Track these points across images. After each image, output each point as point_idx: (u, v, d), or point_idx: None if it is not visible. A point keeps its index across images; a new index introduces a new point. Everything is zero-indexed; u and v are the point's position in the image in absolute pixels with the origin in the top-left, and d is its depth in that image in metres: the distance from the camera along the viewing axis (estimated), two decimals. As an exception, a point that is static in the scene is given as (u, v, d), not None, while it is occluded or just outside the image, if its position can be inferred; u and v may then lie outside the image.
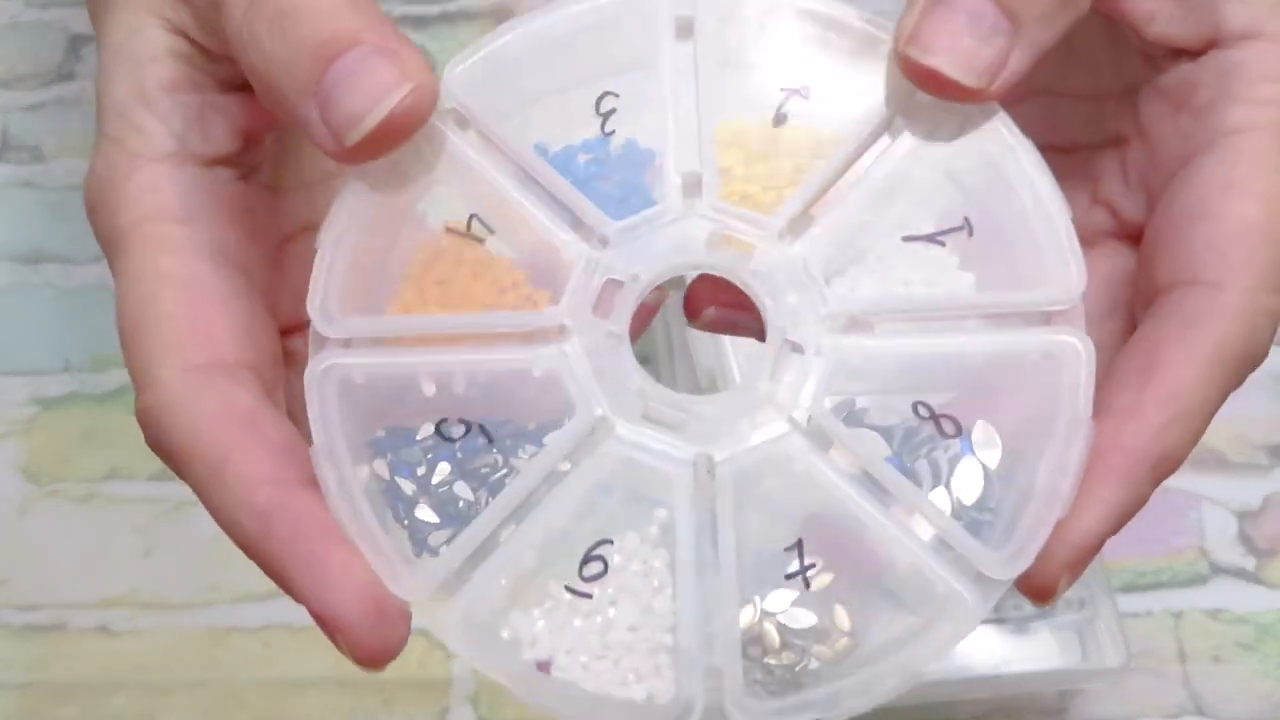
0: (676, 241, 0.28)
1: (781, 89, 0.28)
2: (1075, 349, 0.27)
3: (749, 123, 0.28)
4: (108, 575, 0.59)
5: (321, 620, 0.26)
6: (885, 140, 0.28)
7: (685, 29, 0.28)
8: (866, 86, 0.28)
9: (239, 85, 0.30)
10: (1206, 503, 0.60)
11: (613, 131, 0.28)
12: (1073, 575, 0.26)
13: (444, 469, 0.26)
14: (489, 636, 0.26)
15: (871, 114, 0.28)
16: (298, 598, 0.26)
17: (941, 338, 0.28)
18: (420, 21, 0.74)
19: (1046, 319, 0.27)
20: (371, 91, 0.25)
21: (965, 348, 0.28)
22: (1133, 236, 0.31)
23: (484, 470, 0.26)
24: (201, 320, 0.27)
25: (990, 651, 0.51)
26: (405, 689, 0.57)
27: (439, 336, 0.27)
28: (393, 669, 0.57)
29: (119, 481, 0.61)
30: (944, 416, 0.27)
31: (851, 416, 0.27)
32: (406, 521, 0.27)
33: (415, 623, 0.26)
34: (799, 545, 0.26)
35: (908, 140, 0.28)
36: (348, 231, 0.27)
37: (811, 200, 0.28)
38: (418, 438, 0.26)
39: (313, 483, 0.26)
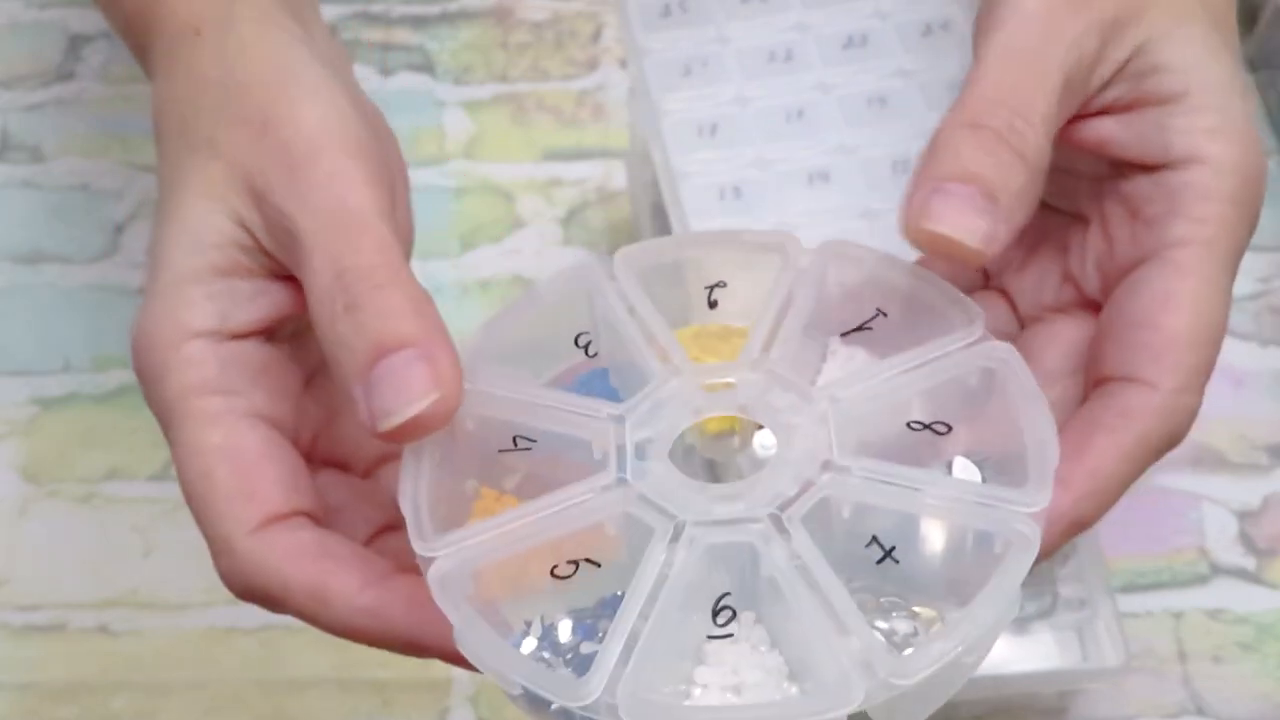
0: (677, 401, 0.33)
1: (704, 286, 0.35)
2: (1006, 352, 0.32)
3: (694, 319, 0.35)
4: (108, 575, 0.59)
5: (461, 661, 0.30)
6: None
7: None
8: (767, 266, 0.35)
9: (287, 275, 0.34)
10: (1206, 503, 0.60)
11: (595, 354, 0.35)
12: None
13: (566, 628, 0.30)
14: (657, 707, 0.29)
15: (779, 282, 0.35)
16: (436, 656, 0.31)
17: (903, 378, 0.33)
18: (420, 21, 0.74)
19: (969, 345, 0.33)
20: (405, 394, 0.30)
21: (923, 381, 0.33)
22: (1094, 307, 0.36)
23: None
24: (253, 483, 0.32)
25: (990, 652, 0.51)
26: (405, 689, 0.57)
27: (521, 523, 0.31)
28: (393, 669, 0.57)
29: (119, 481, 0.61)
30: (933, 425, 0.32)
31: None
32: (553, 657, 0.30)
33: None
34: (889, 551, 0.30)
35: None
36: (421, 477, 0.32)
37: (766, 339, 0.33)
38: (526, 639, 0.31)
39: (397, 571, 0.32)
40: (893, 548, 0.30)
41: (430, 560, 0.30)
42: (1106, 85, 0.34)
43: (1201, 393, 0.33)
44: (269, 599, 0.32)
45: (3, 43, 0.74)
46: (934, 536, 0.30)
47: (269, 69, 0.34)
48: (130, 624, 0.58)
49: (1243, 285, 0.65)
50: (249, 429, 0.33)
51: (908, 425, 0.32)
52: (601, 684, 0.28)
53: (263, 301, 0.34)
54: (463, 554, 0.30)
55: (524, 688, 0.28)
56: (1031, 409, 0.31)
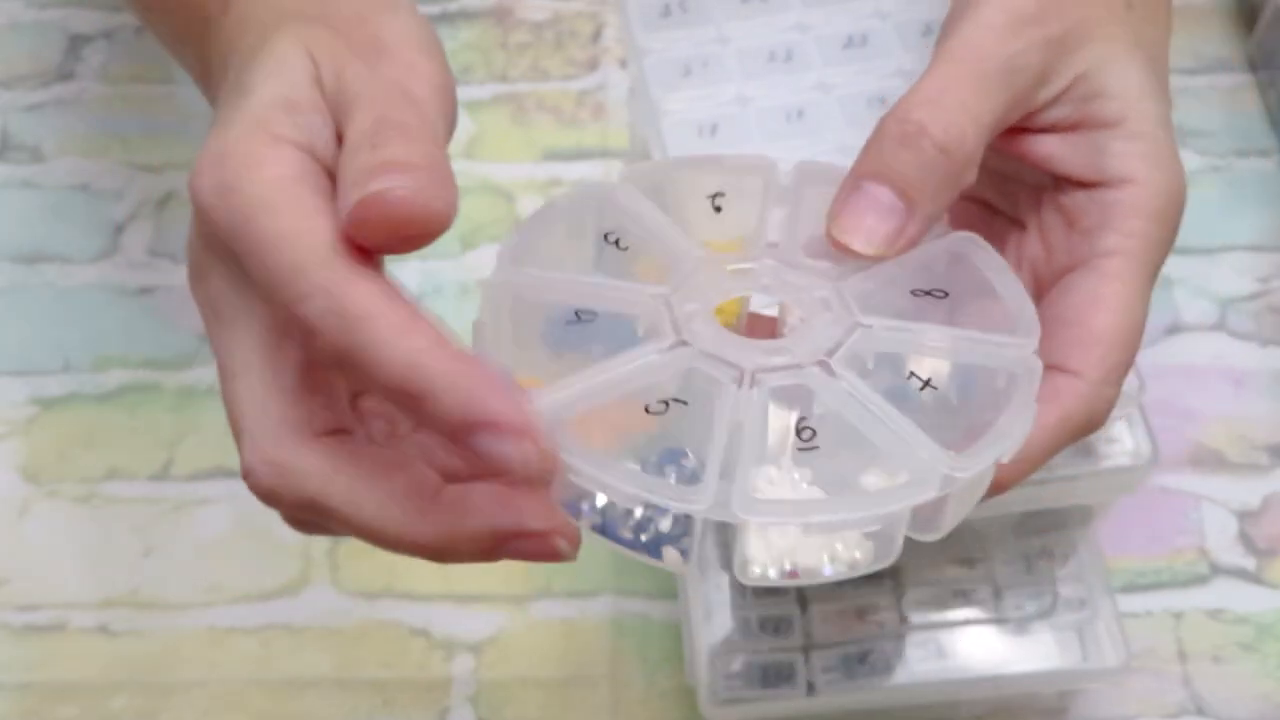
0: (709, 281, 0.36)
1: (706, 195, 0.38)
2: (970, 238, 0.37)
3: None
4: (108, 575, 0.59)
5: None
6: None
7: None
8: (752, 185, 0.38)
9: None
10: (1206, 503, 0.60)
11: (626, 247, 0.37)
12: None
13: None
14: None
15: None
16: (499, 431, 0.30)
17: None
18: (420, 21, 0.74)
19: (939, 237, 0.37)
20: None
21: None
22: None
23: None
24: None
25: (990, 651, 0.52)
26: (405, 689, 0.57)
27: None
28: (393, 669, 0.57)
29: (119, 481, 0.61)
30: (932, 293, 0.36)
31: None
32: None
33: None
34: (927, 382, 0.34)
35: None
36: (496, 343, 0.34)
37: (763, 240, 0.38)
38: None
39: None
40: (928, 379, 0.34)
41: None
42: (1052, 103, 0.37)
43: (1119, 386, 0.36)
44: (344, 320, 0.31)
45: (3, 43, 0.74)
46: (952, 375, 0.34)
47: None
48: (130, 624, 0.58)
49: (1243, 285, 0.65)
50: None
51: (911, 293, 0.36)
52: (712, 488, 0.31)
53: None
54: (550, 405, 0.32)
55: (603, 519, 0.31)
56: (1003, 277, 0.36)
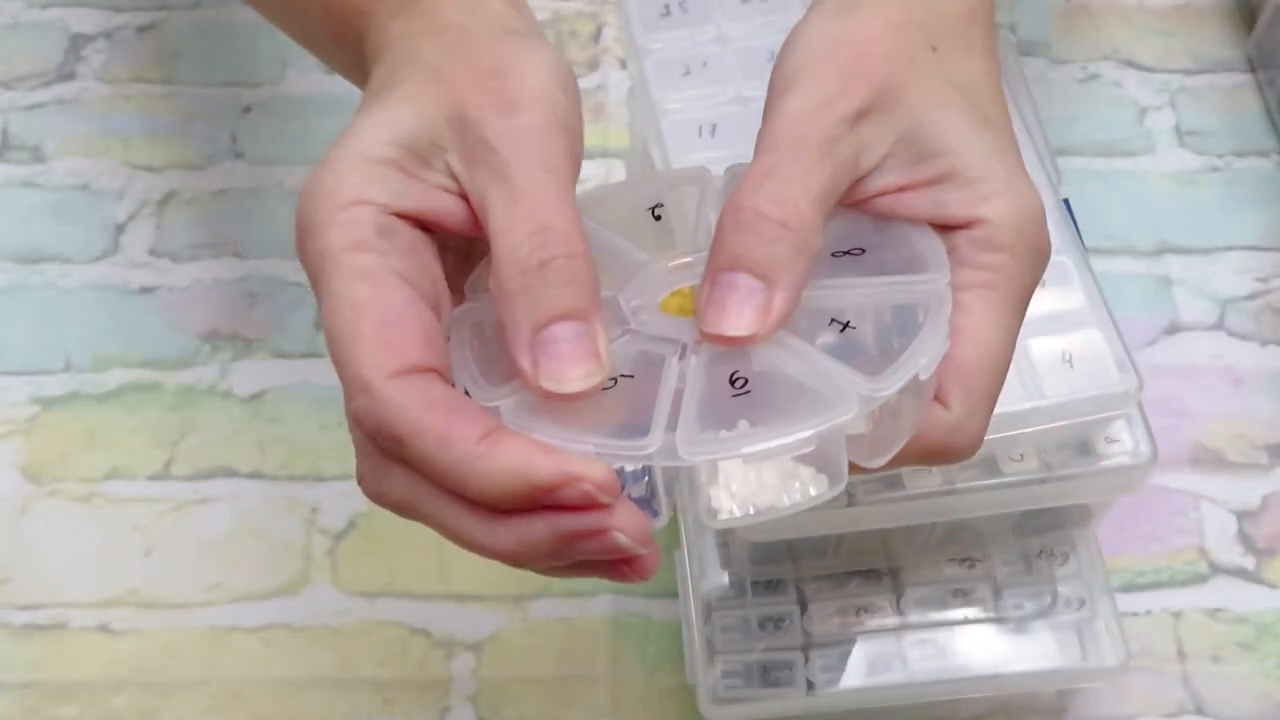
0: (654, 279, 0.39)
1: (646, 208, 0.42)
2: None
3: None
4: (108, 575, 0.59)
5: (557, 484, 0.33)
6: None
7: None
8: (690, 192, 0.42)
9: (452, 195, 0.37)
10: (1206, 502, 0.60)
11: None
12: None
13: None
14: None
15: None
16: (545, 485, 0.33)
17: None
18: (420, 21, 0.74)
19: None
20: (569, 362, 0.35)
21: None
22: None
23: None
24: (395, 335, 0.34)
25: (990, 651, 0.52)
26: (405, 689, 0.57)
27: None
28: (393, 669, 0.57)
29: (119, 481, 0.62)
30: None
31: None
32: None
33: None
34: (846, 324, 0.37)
35: None
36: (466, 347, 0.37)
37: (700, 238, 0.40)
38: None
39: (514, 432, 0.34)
40: (848, 322, 0.36)
41: (496, 409, 0.35)
42: (878, 169, 0.38)
43: (987, 416, 0.37)
44: (395, 439, 0.34)
45: (3, 43, 0.75)
46: (876, 316, 0.37)
47: (503, 24, 0.39)
48: (130, 623, 0.58)
49: (1242, 285, 0.65)
50: (396, 287, 0.35)
51: (832, 255, 0.38)
52: (659, 439, 0.34)
53: (428, 200, 0.37)
54: (521, 397, 0.35)
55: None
56: (911, 226, 0.38)
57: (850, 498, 0.47)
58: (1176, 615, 0.58)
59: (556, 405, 0.35)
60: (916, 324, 0.36)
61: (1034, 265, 0.38)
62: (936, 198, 0.38)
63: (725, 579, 0.53)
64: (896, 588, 0.53)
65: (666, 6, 0.53)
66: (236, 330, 0.65)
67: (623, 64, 0.72)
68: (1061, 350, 0.46)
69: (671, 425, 0.34)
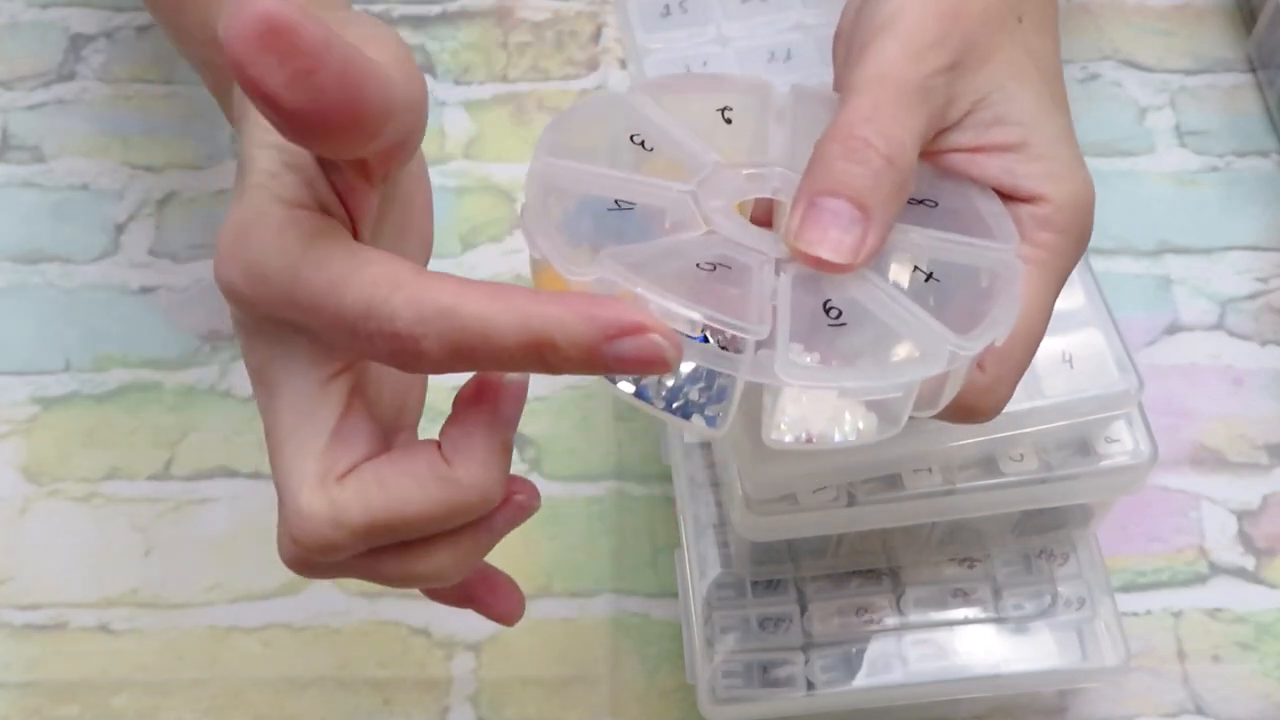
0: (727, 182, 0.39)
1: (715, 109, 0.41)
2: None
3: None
4: (108, 575, 0.59)
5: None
6: None
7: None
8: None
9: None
10: (1206, 502, 0.60)
11: (652, 149, 0.39)
12: None
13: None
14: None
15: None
16: (610, 319, 0.31)
17: None
18: (420, 21, 0.74)
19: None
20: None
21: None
22: None
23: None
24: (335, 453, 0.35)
25: (990, 651, 0.52)
26: (405, 689, 0.57)
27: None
28: (393, 669, 0.57)
29: (119, 481, 0.62)
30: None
31: None
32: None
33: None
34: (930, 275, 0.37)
35: None
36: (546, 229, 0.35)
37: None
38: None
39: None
40: (931, 273, 0.36)
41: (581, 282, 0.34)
42: (956, 126, 0.39)
43: (1013, 387, 0.39)
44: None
45: (3, 43, 0.75)
46: (942, 271, 0.37)
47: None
48: (130, 623, 0.58)
49: (1242, 285, 0.65)
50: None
51: (909, 201, 0.38)
52: (767, 327, 0.33)
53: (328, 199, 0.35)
54: (604, 276, 0.34)
55: (636, 385, 0.34)
56: (981, 192, 0.38)
57: (850, 498, 0.47)
58: (1176, 615, 0.58)
59: (654, 279, 0.33)
60: (979, 288, 0.36)
61: (1080, 250, 0.39)
62: (1008, 165, 0.39)
63: (725, 580, 0.53)
64: (896, 588, 0.53)
65: (666, 6, 0.53)
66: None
67: (623, 64, 0.72)
68: (1061, 350, 0.46)
69: (767, 343, 0.34)
